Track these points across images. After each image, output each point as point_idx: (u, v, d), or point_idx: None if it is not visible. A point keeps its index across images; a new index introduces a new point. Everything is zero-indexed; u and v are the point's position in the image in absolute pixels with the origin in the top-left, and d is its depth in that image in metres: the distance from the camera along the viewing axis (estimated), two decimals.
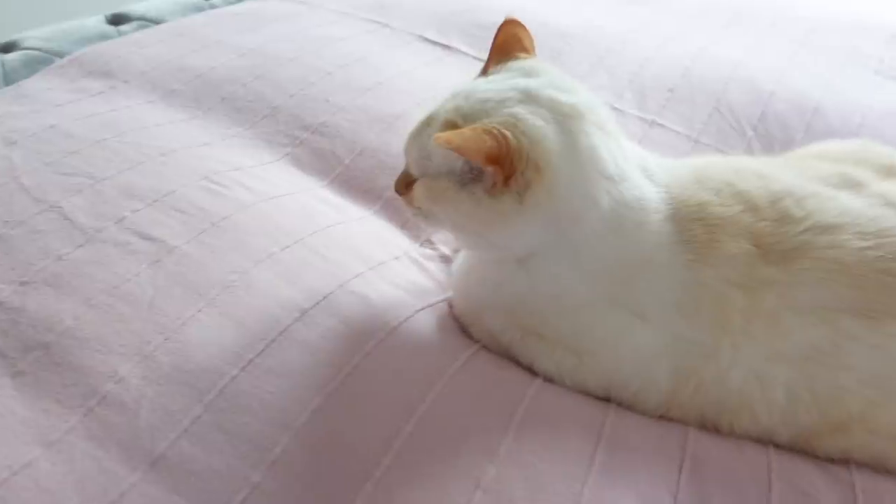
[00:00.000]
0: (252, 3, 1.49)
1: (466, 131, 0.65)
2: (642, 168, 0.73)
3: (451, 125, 0.68)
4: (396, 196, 0.95)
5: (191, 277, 0.72)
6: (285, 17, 1.37)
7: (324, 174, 0.98)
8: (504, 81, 0.71)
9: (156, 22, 1.34)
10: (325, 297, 0.73)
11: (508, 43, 0.76)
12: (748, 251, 0.68)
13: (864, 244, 0.67)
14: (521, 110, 0.67)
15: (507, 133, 0.64)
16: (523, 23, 0.78)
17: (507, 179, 0.65)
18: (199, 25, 1.32)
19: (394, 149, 1.00)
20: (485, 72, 0.76)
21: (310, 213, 0.87)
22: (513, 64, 0.74)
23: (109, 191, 0.82)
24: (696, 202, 0.70)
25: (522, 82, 0.70)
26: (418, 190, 0.72)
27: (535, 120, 0.67)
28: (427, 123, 0.71)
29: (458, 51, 1.30)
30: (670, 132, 1.16)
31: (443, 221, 0.73)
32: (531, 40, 0.78)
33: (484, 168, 0.65)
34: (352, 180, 0.97)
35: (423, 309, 0.77)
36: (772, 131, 1.18)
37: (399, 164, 0.99)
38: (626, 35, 1.40)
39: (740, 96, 1.24)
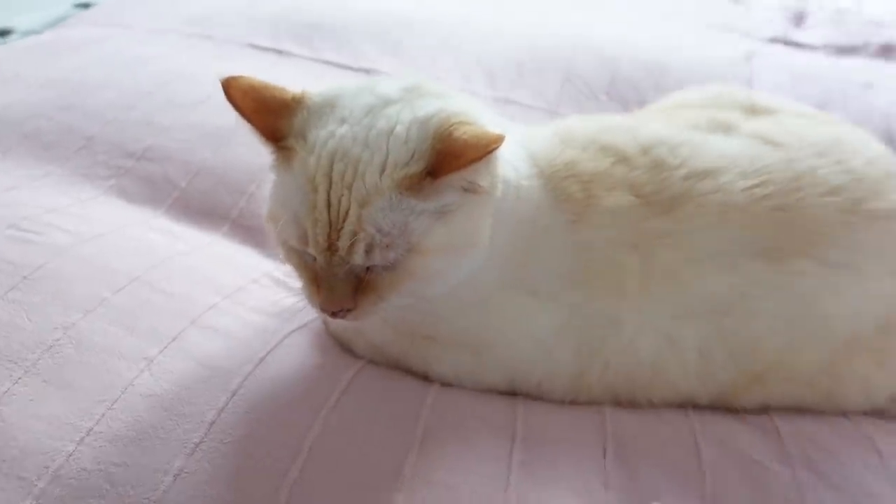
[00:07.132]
0: (57, 31, 1.33)
1: (463, 137, 0.53)
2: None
3: (415, 176, 0.53)
4: (246, 215, 0.86)
5: (2, 345, 0.60)
6: (94, 42, 1.22)
7: (157, 202, 0.86)
8: (361, 115, 0.57)
9: None
10: (174, 339, 0.62)
11: (260, 101, 0.60)
12: (630, 203, 0.63)
13: (749, 183, 0.63)
14: (433, 103, 0.57)
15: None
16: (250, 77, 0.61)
17: None
18: None
19: (235, 163, 0.90)
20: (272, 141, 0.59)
21: (145, 247, 0.75)
22: (312, 105, 0.60)
23: None
24: (564, 161, 0.64)
25: (370, 96, 0.58)
26: (409, 266, 0.56)
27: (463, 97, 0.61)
28: (372, 192, 0.53)
29: (291, 53, 1.21)
30: (525, 107, 1.12)
31: (430, 286, 0.58)
32: (264, 82, 0.62)
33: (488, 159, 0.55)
34: (191, 204, 0.86)
35: (294, 331, 0.67)
36: (624, 94, 1.16)
37: (243, 178, 0.89)
38: (467, 16, 1.36)
39: (588, 64, 1.21)
